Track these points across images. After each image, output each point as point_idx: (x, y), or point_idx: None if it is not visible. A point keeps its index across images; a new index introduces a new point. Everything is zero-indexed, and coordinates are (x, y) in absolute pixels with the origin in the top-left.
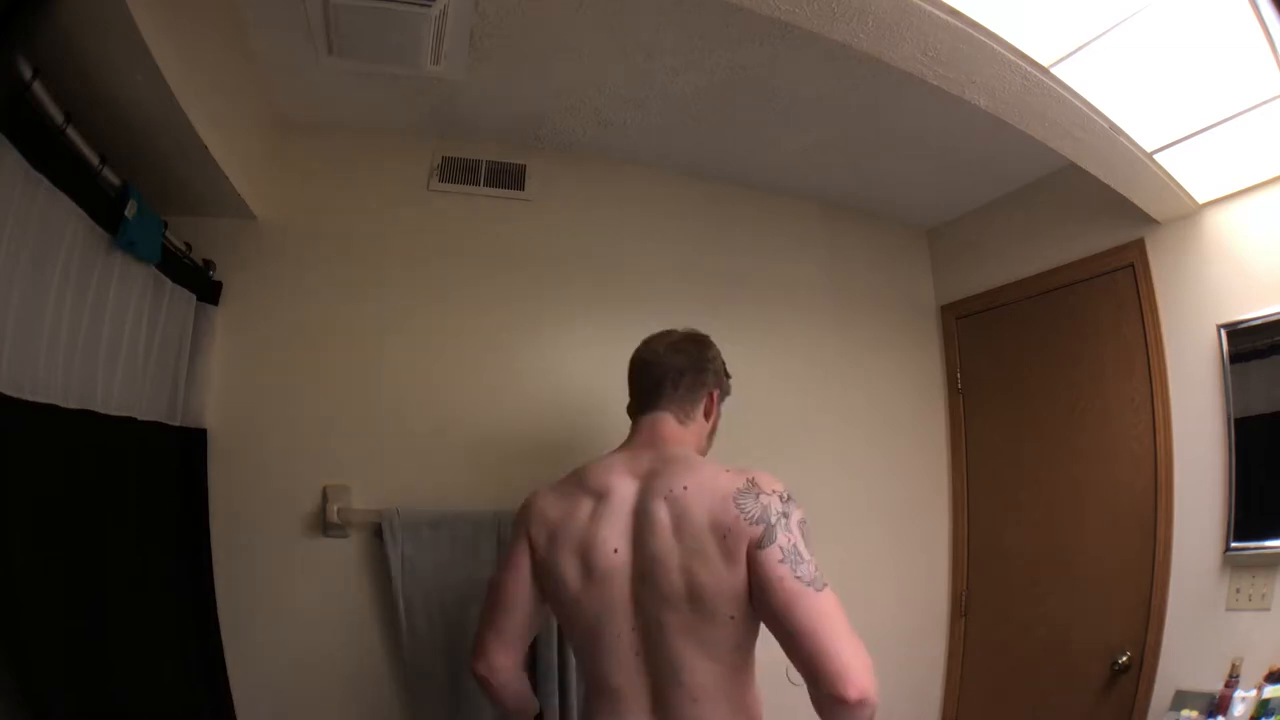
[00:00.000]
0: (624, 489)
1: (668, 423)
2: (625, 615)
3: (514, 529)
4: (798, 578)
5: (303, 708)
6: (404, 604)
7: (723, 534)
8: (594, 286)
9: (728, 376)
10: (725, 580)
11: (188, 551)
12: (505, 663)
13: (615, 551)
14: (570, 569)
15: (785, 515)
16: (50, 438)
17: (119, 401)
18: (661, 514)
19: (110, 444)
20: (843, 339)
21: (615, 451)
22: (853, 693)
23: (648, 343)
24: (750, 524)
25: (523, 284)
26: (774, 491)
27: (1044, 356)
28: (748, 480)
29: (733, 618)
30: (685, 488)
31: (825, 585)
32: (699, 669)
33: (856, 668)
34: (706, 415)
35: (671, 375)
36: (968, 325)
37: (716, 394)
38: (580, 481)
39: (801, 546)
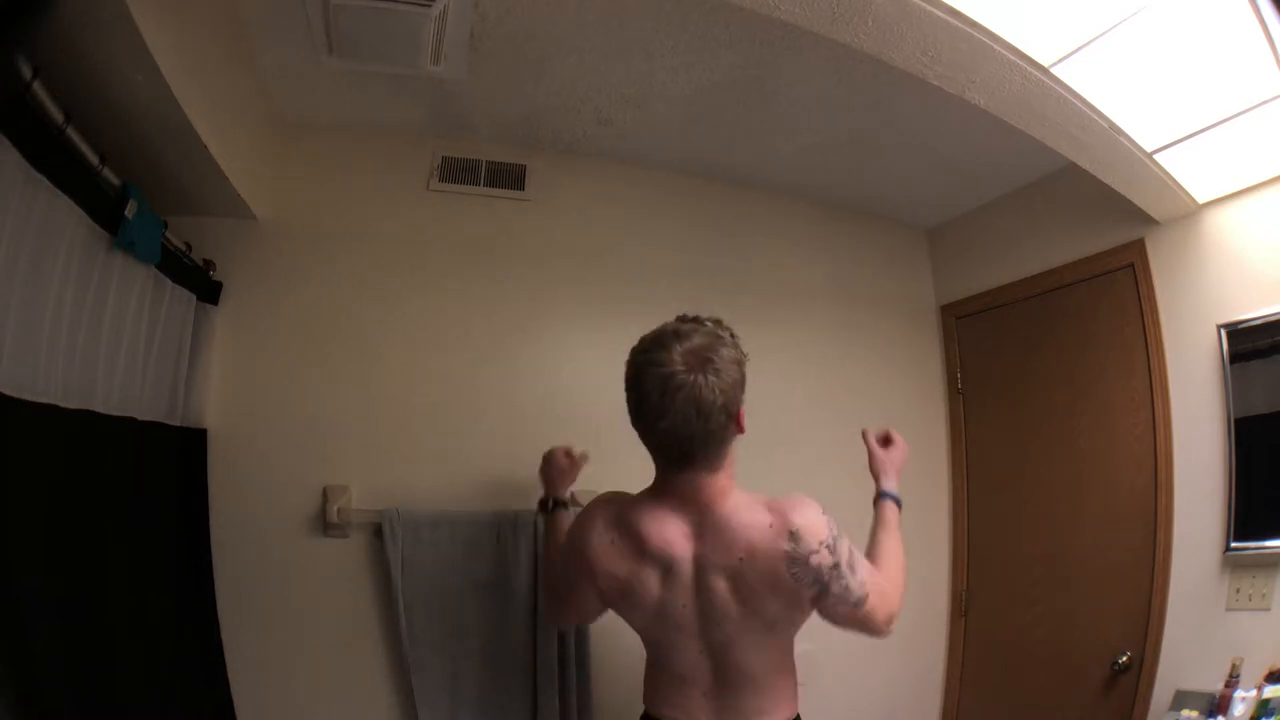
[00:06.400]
0: (684, 557)
1: (704, 483)
2: (693, 639)
3: (572, 542)
4: (853, 605)
5: (303, 707)
6: (404, 604)
7: (785, 593)
8: (594, 286)
9: (745, 357)
10: (787, 613)
11: (188, 551)
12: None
13: (684, 606)
14: (644, 616)
15: (835, 566)
16: (50, 438)
17: (119, 401)
18: (721, 584)
19: (110, 444)
20: (843, 339)
21: (661, 505)
22: (886, 631)
23: (658, 382)
24: (807, 587)
25: (523, 284)
26: (820, 544)
27: (1044, 356)
28: (791, 536)
29: (793, 623)
30: (741, 559)
31: (866, 594)
32: (755, 660)
33: (890, 620)
34: (735, 433)
35: (699, 439)
36: (968, 325)
37: (742, 410)
38: (638, 540)
39: (850, 581)
